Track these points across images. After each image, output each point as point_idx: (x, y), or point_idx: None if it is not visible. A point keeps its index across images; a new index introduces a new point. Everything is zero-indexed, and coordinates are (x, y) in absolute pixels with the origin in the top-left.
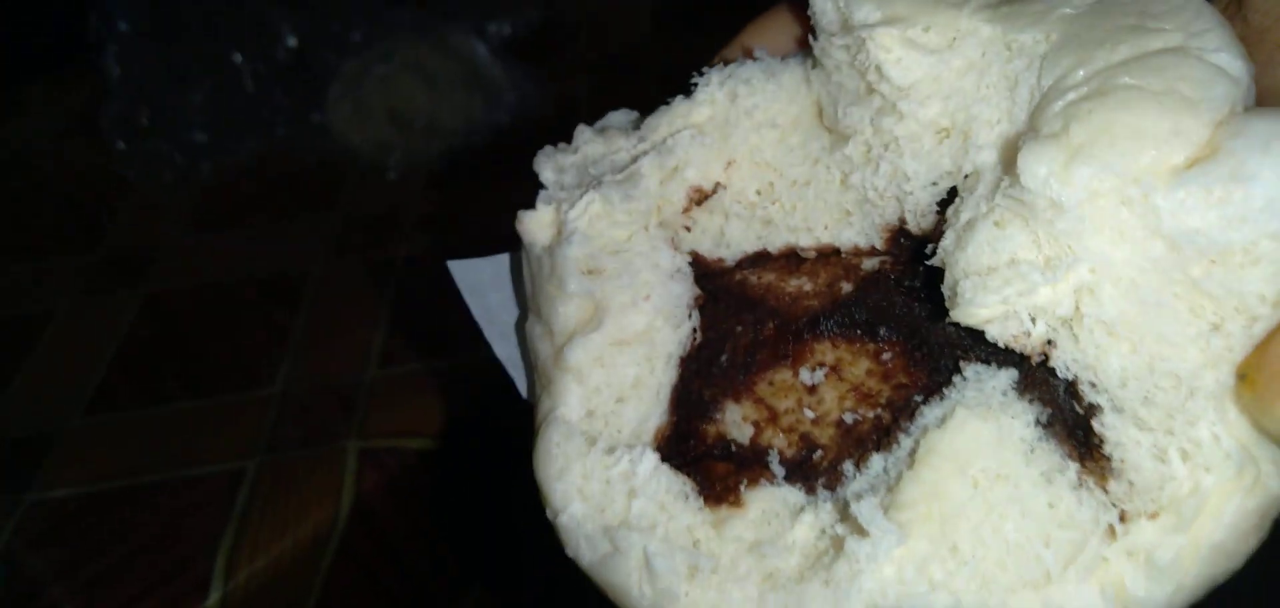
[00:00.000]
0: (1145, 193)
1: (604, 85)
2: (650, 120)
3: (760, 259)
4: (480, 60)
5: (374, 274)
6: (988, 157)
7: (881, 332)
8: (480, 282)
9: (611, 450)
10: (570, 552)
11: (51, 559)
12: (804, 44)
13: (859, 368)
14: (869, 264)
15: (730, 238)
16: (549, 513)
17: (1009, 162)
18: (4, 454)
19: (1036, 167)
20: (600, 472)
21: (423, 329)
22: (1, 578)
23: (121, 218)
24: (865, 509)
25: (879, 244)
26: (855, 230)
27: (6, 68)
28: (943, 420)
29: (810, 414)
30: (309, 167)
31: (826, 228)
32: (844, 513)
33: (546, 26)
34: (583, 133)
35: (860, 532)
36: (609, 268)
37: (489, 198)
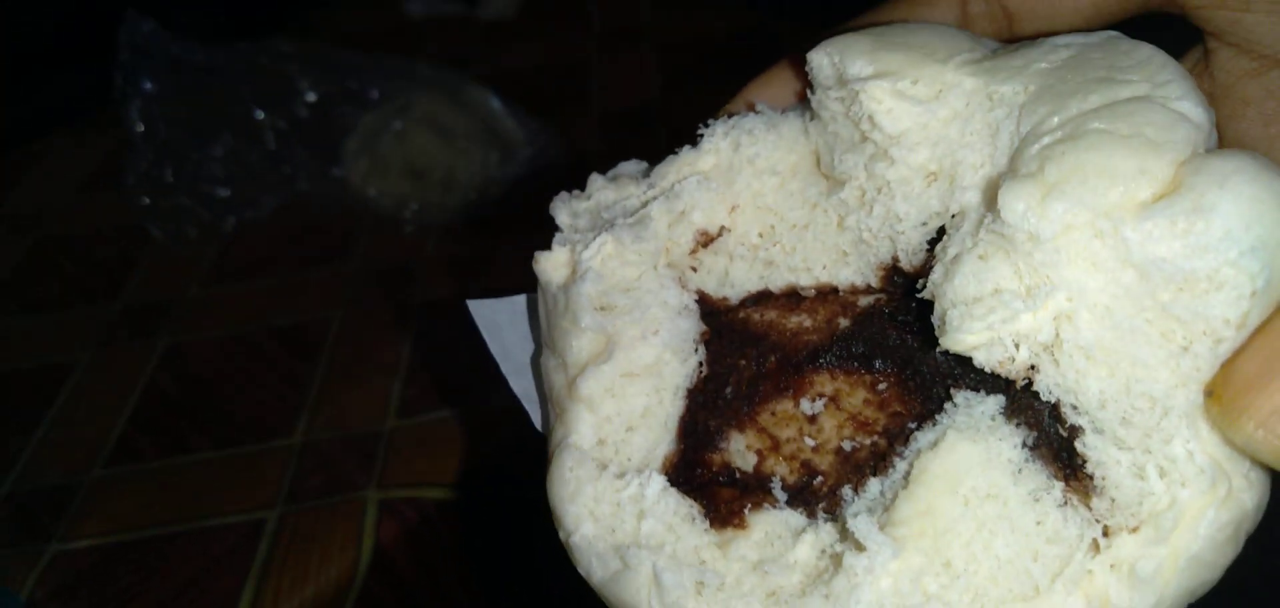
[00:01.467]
0: (1115, 226)
1: (615, 138)
2: (659, 168)
3: (762, 298)
4: (495, 115)
5: (391, 326)
6: (972, 197)
7: (877, 363)
8: (497, 321)
9: (621, 475)
10: (582, 570)
11: None
12: (802, 98)
13: (856, 398)
14: (865, 301)
15: (734, 278)
16: (562, 534)
17: (991, 200)
18: (27, 504)
19: (1015, 203)
20: (610, 495)
21: (440, 379)
22: None
23: (142, 270)
24: (861, 525)
25: (874, 282)
26: (852, 269)
27: (29, 121)
28: (935, 444)
29: (810, 442)
30: (327, 220)
31: (825, 268)
32: (843, 532)
33: (561, 82)
34: (595, 180)
35: (858, 547)
36: (620, 304)
37: (504, 250)
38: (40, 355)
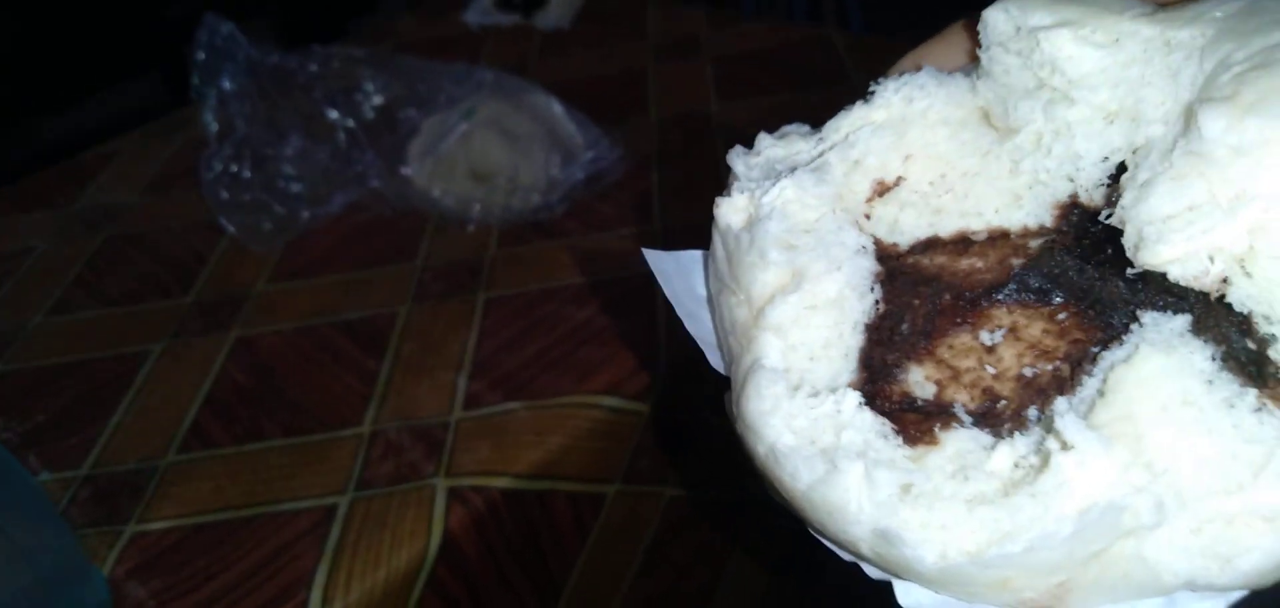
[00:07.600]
0: None
1: (673, 143)
2: (830, 123)
3: (931, 245)
4: (557, 119)
5: (456, 322)
6: (1157, 129)
7: (1055, 296)
8: (666, 270)
9: (815, 394)
10: (788, 478)
11: (153, 589)
12: (965, 64)
13: (1035, 328)
14: (1036, 243)
15: (903, 226)
16: (762, 448)
17: (1186, 125)
18: (106, 487)
19: (1216, 120)
20: (806, 411)
21: (503, 374)
22: (110, 604)
23: (212, 265)
24: (1070, 423)
25: (1049, 222)
26: (1025, 212)
27: (100, 124)
28: (1129, 358)
29: (990, 370)
30: (393, 218)
31: (996, 211)
32: (1047, 432)
33: (618, 90)
34: (764, 139)
35: (1065, 446)
36: (802, 244)
37: (563, 250)
38: (114, 346)
